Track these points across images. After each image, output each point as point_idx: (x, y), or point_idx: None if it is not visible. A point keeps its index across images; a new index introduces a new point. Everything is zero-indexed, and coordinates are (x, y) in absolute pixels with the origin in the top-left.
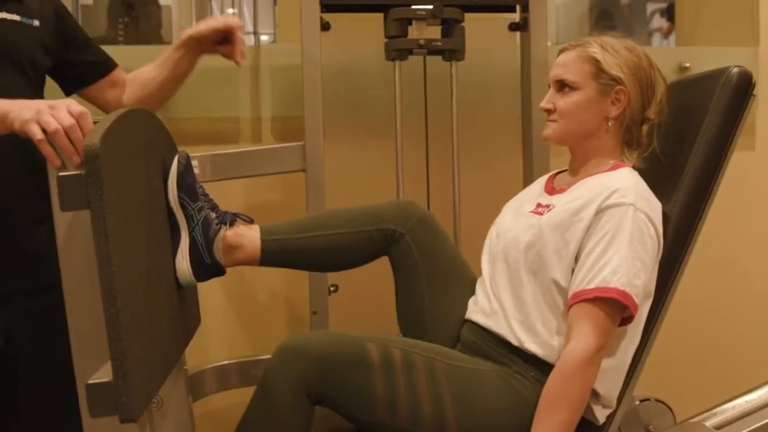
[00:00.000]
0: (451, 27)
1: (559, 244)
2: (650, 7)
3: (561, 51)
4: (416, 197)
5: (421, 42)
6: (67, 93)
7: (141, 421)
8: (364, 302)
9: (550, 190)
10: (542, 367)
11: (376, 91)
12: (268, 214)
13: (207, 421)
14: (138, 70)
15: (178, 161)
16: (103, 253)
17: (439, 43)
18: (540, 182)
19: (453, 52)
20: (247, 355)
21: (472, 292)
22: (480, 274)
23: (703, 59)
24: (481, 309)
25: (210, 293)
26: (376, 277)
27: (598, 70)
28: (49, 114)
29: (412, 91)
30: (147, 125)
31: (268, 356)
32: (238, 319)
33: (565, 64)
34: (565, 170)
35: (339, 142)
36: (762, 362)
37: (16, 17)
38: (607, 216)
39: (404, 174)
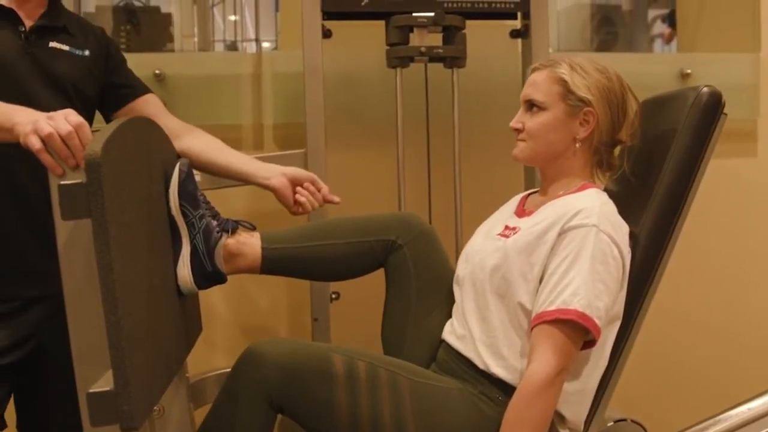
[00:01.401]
0: (452, 34)
1: (524, 267)
2: (652, 14)
3: (533, 70)
4: (418, 204)
5: (423, 49)
6: (103, 116)
7: (142, 429)
8: (365, 310)
9: (520, 212)
10: (508, 390)
11: (377, 99)
12: (270, 221)
13: None
14: (216, 143)
15: (180, 169)
16: (104, 262)
17: (440, 51)
18: (512, 203)
19: (454, 60)
20: None
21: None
22: None
23: (704, 65)
24: (454, 330)
25: (211, 301)
26: (377, 285)
27: (566, 91)
28: (46, 122)
29: (413, 99)
30: (148, 133)
31: None
32: (240, 327)
33: (535, 84)
34: (538, 191)
35: (340, 149)
36: (749, 375)
37: (65, 47)
38: (569, 237)
39: (406, 181)
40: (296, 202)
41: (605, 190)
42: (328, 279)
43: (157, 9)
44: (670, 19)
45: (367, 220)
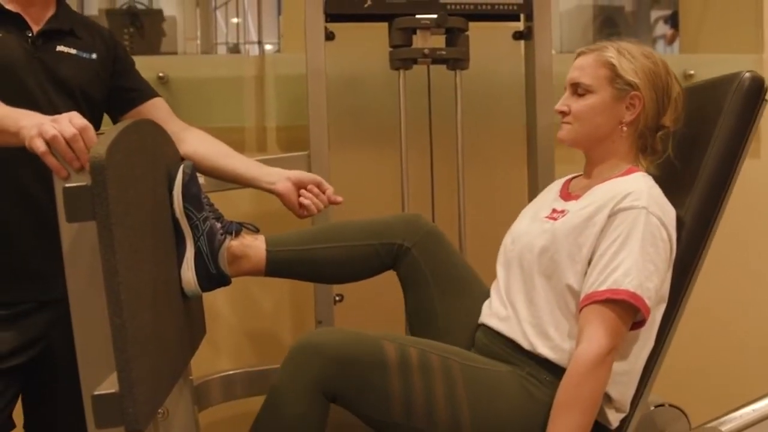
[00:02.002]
0: (455, 36)
1: (572, 248)
2: (654, 15)
3: (578, 54)
4: (421, 206)
5: (426, 51)
6: (111, 118)
7: (147, 431)
8: (369, 312)
9: (565, 195)
10: (555, 371)
11: (380, 101)
12: (273, 223)
13: None
14: (222, 147)
15: (183, 171)
16: (109, 264)
17: (443, 52)
18: (555, 187)
19: (457, 61)
20: (253, 365)
21: (483, 299)
22: (490, 279)
23: (707, 66)
24: (495, 313)
25: (215, 303)
26: (381, 287)
27: (613, 74)
28: (50, 125)
29: (416, 100)
30: (152, 136)
31: (274, 366)
32: (244, 329)
33: (582, 68)
34: (581, 175)
35: (344, 151)
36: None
37: (72, 51)
38: (619, 219)
39: (409, 183)
40: (301, 206)
41: (647, 173)
42: (333, 282)
43: (160, 12)
44: (673, 21)
45: (372, 223)
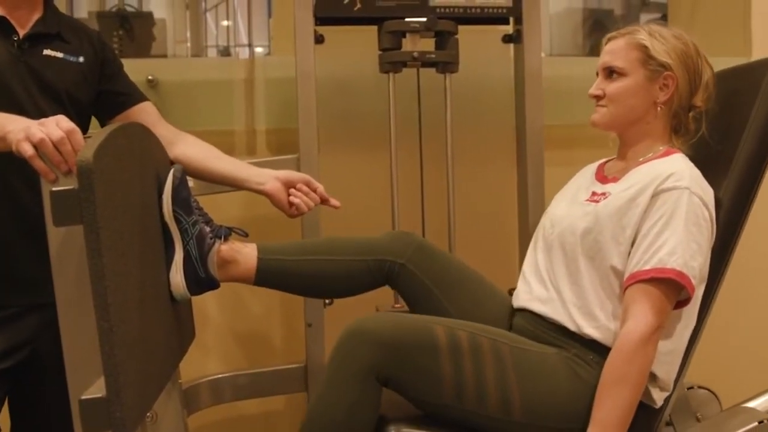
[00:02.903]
0: (444, 39)
1: (616, 229)
2: (644, 18)
3: (609, 39)
4: (410, 208)
5: (415, 54)
6: (99, 121)
7: None
8: (358, 315)
9: (602, 178)
10: (601, 351)
11: (370, 104)
12: (263, 227)
13: None
14: (210, 150)
15: (173, 175)
16: (96, 268)
17: (432, 56)
18: (588, 172)
19: (447, 65)
20: (242, 369)
21: (487, 288)
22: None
23: None
24: (536, 297)
25: (205, 307)
26: (371, 291)
27: (646, 56)
28: (38, 128)
29: (406, 104)
30: (140, 140)
31: (264, 369)
32: (233, 333)
33: (613, 52)
34: (612, 159)
35: (333, 154)
36: None
37: (59, 54)
38: (662, 199)
39: (399, 186)
40: (291, 204)
41: None
42: (322, 296)
43: (150, 15)
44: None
45: (364, 241)
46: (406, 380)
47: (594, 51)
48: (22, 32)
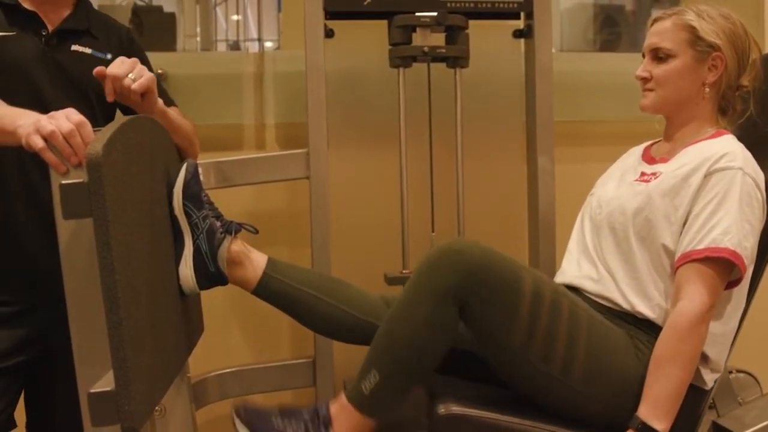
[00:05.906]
0: (455, 34)
1: (668, 209)
2: (655, 14)
3: (655, 20)
4: (420, 204)
5: (426, 49)
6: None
7: (143, 430)
8: None
9: (650, 159)
10: (654, 329)
11: (380, 98)
12: (272, 221)
13: (210, 430)
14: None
15: (186, 169)
16: (105, 262)
17: (443, 50)
18: (634, 154)
19: (457, 59)
20: (250, 363)
21: None
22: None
23: None
24: (587, 275)
25: (213, 301)
26: (376, 286)
27: (694, 37)
28: (48, 121)
29: (416, 99)
30: (150, 133)
31: (271, 364)
32: (241, 327)
33: (661, 33)
34: (658, 141)
35: (343, 149)
36: None
37: (87, 50)
38: (715, 179)
39: (408, 181)
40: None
41: None
42: (308, 327)
43: (159, 8)
44: None
45: (366, 300)
46: (482, 311)
47: (604, 47)
48: (51, 27)
